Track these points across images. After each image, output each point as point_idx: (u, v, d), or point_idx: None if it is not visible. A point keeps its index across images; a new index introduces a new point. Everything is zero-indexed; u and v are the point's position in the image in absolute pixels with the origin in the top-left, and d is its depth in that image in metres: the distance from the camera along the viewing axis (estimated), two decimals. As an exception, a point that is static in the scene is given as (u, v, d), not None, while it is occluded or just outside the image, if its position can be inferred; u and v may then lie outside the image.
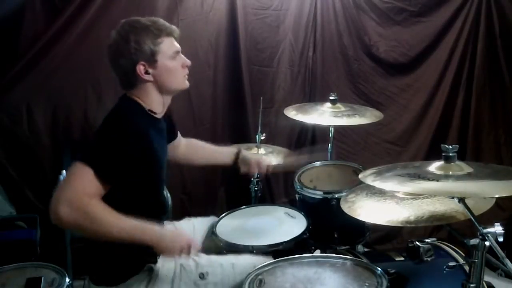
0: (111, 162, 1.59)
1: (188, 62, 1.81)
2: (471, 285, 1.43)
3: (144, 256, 1.74)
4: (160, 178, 1.84)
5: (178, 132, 2.16)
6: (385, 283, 1.56)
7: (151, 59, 1.70)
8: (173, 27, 1.77)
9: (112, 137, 1.63)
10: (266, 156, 2.29)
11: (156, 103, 1.78)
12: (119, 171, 1.61)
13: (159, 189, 1.86)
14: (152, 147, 1.72)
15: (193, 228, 2.10)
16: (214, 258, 1.84)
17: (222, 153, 2.26)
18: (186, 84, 1.83)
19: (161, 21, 1.75)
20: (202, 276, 1.75)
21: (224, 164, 2.25)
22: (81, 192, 1.53)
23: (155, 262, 1.75)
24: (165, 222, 1.99)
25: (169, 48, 1.74)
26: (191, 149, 2.23)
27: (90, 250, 1.76)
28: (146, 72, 1.71)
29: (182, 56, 1.80)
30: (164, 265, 1.76)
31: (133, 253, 1.69)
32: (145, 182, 1.72)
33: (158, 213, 1.87)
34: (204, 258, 1.83)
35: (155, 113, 1.78)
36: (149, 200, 1.77)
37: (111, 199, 1.60)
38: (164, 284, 1.73)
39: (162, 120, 1.86)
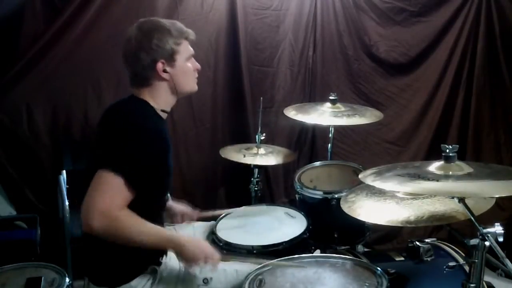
0: (141, 169, 1.60)
1: (199, 66, 1.85)
2: (471, 285, 1.43)
3: (147, 257, 1.73)
4: (171, 181, 1.85)
5: None
6: (385, 283, 1.56)
7: (171, 58, 1.73)
8: (190, 31, 1.80)
9: (139, 144, 1.62)
10: (188, 209, 2.21)
11: (167, 104, 1.80)
12: (148, 177, 1.62)
13: (168, 192, 1.88)
14: (169, 148, 1.73)
15: (193, 232, 2.10)
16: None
17: None
18: (195, 87, 1.86)
19: (179, 24, 1.79)
20: (206, 281, 1.76)
21: None
22: (113, 204, 1.55)
23: (159, 264, 1.75)
24: (166, 226, 1.99)
25: (186, 50, 1.78)
26: None
27: (92, 250, 1.75)
28: (164, 71, 1.73)
29: (194, 60, 1.83)
30: (167, 267, 1.76)
31: (136, 254, 1.68)
32: (161, 186, 1.75)
33: (160, 214, 1.87)
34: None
35: (166, 112, 1.80)
36: (157, 205, 1.77)
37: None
38: (167, 287, 1.73)
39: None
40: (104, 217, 1.53)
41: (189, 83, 1.82)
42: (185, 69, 1.78)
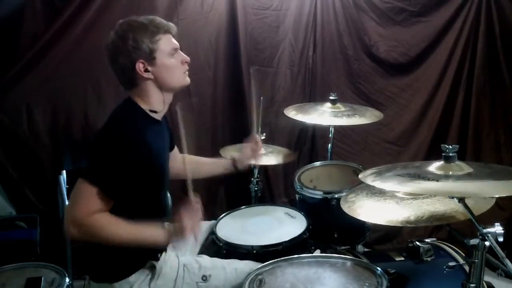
0: (115, 179, 1.61)
1: (187, 58, 1.81)
2: (471, 285, 1.43)
3: (146, 252, 1.74)
4: (162, 182, 1.84)
5: (176, 147, 2.14)
6: (385, 283, 1.56)
7: (150, 57, 1.70)
8: (171, 24, 1.77)
9: (114, 153, 1.62)
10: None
11: (157, 102, 1.78)
12: (124, 186, 1.62)
13: (161, 193, 1.86)
14: (154, 156, 1.71)
15: None
16: (218, 261, 1.85)
17: (218, 164, 2.23)
18: (186, 80, 1.82)
19: (158, 19, 1.76)
20: (204, 278, 1.77)
21: (225, 173, 2.21)
22: (85, 212, 1.58)
23: (157, 259, 1.76)
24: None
25: (167, 45, 1.74)
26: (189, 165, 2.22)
27: (91, 246, 1.76)
28: (146, 70, 1.71)
29: (181, 52, 1.80)
30: (167, 263, 1.77)
31: (134, 249, 1.69)
32: (149, 189, 1.73)
33: (160, 216, 1.87)
34: (208, 261, 1.84)
35: (156, 112, 1.78)
36: (151, 205, 1.77)
37: (115, 206, 1.63)
38: (166, 283, 1.74)
39: (163, 122, 1.86)
40: (78, 225, 1.57)
41: (176, 78, 1.78)
42: (168, 65, 1.74)
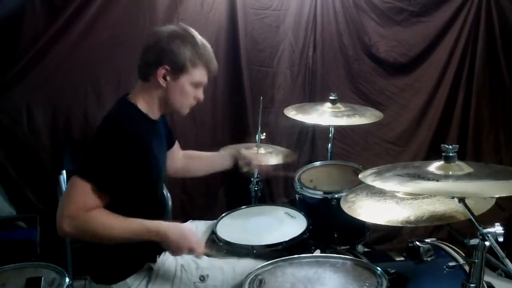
0: (111, 175, 1.60)
1: (201, 98, 1.81)
2: (471, 285, 1.43)
3: (143, 255, 1.74)
4: (159, 182, 1.84)
5: (177, 142, 2.14)
6: (385, 283, 1.56)
7: (176, 72, 1.70)
8: (215, 63, 1.78)
9: (110, 149, 1.61)
10: (265, 156, 2.29)
11: (155, 109, 1.77)
12: (119, 182, 1.61)
13: (157, 192, 1.86)
14: (152, 153, 1.71)
15: (195, 230, 2.10)
16: (216, 261, 1.85)
17: (220, 158, 2.24)
18: (185, 112, 1.83)
19: (209, 49, 1.77)
20: (202, 278, 1.76)
21: (224, 169, 2.22)
22: (80, 208, 1.56)
23: (155, 261, 1.76)
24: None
25: (197, 76, 1.75)
26: (189, 160, 2.21)
27: (89, 247, 1.76)
28: (164, 78, 1.70)
29: (201, 90, 1.80)
30: (164, 265, 1.77)
31: (132, 251, 1.69)
32: (145, 187, 1.72)
33: (158, 215, 1.87)
34: (205, 261, 1.83)
35: (153, 115, 1.78)
36: (148, 204, 1.76)
37: (110, 205, 1.62)
38: (164, 284, 1.74)
39: (160, 121, 1.86)
40: (72, 221, 1.55)
41: (180, 104, 1.78)
42: (184, 91, 1.74)
